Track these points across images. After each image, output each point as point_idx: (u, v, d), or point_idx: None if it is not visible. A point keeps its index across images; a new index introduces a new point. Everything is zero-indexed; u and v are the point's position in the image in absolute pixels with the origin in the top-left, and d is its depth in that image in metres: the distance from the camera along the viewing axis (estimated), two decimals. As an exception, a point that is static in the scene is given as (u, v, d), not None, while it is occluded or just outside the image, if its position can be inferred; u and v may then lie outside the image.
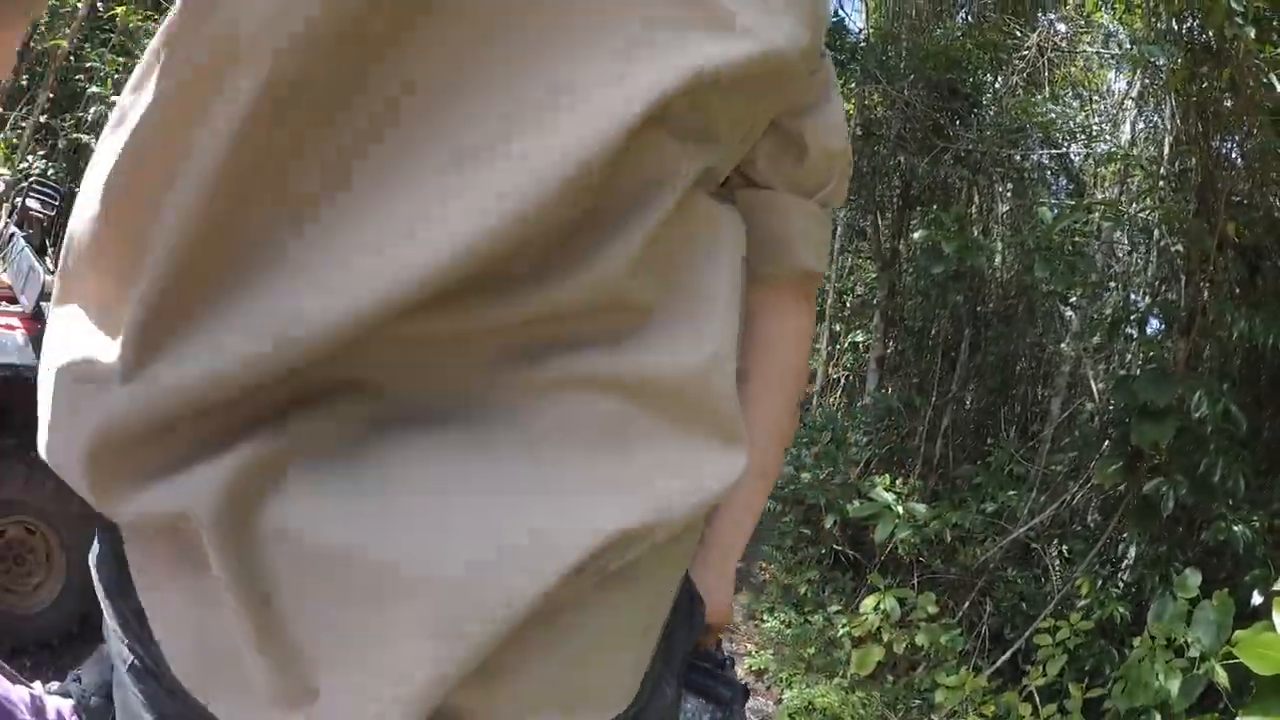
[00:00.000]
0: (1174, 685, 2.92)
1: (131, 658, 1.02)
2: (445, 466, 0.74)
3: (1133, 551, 5.04)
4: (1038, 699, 3.43)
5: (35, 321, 3.10)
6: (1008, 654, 4.31)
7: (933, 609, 4.00)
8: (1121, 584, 4.66)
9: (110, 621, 1.07)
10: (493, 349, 0.74)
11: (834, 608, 4.99)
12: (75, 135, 6.34)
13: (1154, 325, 5.61)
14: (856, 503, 4.88)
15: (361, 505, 0.73)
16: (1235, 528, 3.96)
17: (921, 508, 4.62)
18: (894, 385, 7.08)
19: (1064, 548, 5.08)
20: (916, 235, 6.84)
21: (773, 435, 1.24)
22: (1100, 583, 4.36)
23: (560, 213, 0.69)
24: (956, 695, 3.66)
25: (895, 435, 6.52)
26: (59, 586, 3.39)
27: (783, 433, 1.28)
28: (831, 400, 8.14)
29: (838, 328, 9.03)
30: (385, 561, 0.72)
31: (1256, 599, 2.71)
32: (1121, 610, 3.91)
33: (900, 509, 4.49)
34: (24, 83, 6.63)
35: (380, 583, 0.73)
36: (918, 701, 4.35)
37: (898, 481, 4.74)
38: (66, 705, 1.99)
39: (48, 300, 3.12)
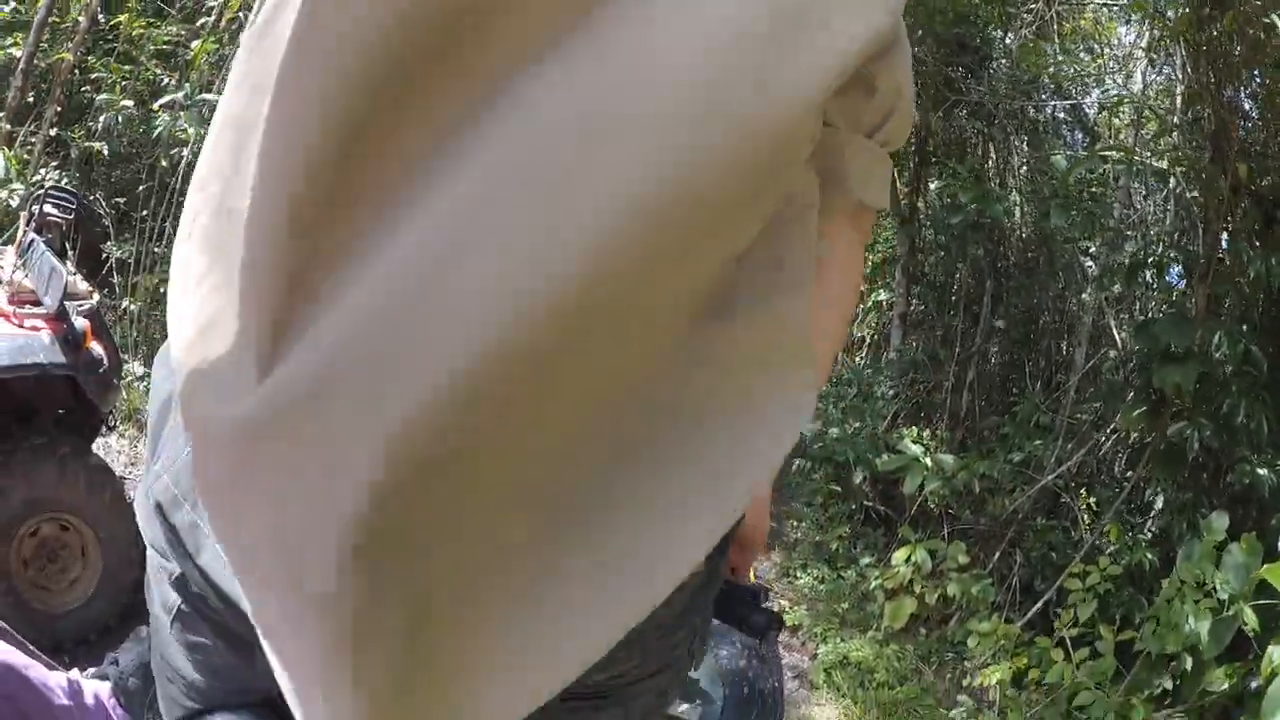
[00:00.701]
0: (1204, 627, 2.94)
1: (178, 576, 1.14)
2: None
3: (1160, 500, 5.08)
4: (1069, 644, 3.47)
5: (60, 321, 3.14)
6: (1038, 604, 4.36)
7: (963, 559, 4.04)
8: (1150, 532, 4.71)
9: (157, 550, 1.18)
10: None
11: (865, 560, 5.05)
12: (86, 144, 6.33)
13: (1173, 276, 5.63)
14: (885, 456, 4.92)
15: None
16: (1260, 471, 4.00)
17: (949, 459, 4.66)
18: (918, 340, 7.08)
19: (1091, 499, 5.10)
20: (933, 186, 6.87)
21: (826, 352, 1.24)
22: (1129, 530, 4.39)
23: None
24: (989, 641, 3.71)
25: (921, 389, 6.55)
26: (95, 581, 3.43)
27: (835, 350, 1.32)
28: (857, 358, 8.14)
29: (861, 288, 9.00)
30: None
31: None
32: (1150, 556, 3.94)
33: (928, 461, 4.54)
34: (31, 99, 6.66)
35: None
36: (950, 655, 4.41)
37: (925, 434, 4.78)
38: (104, 688, 2.11)
39: (70, 300, 3.19)
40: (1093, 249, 6.72)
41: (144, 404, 4.84)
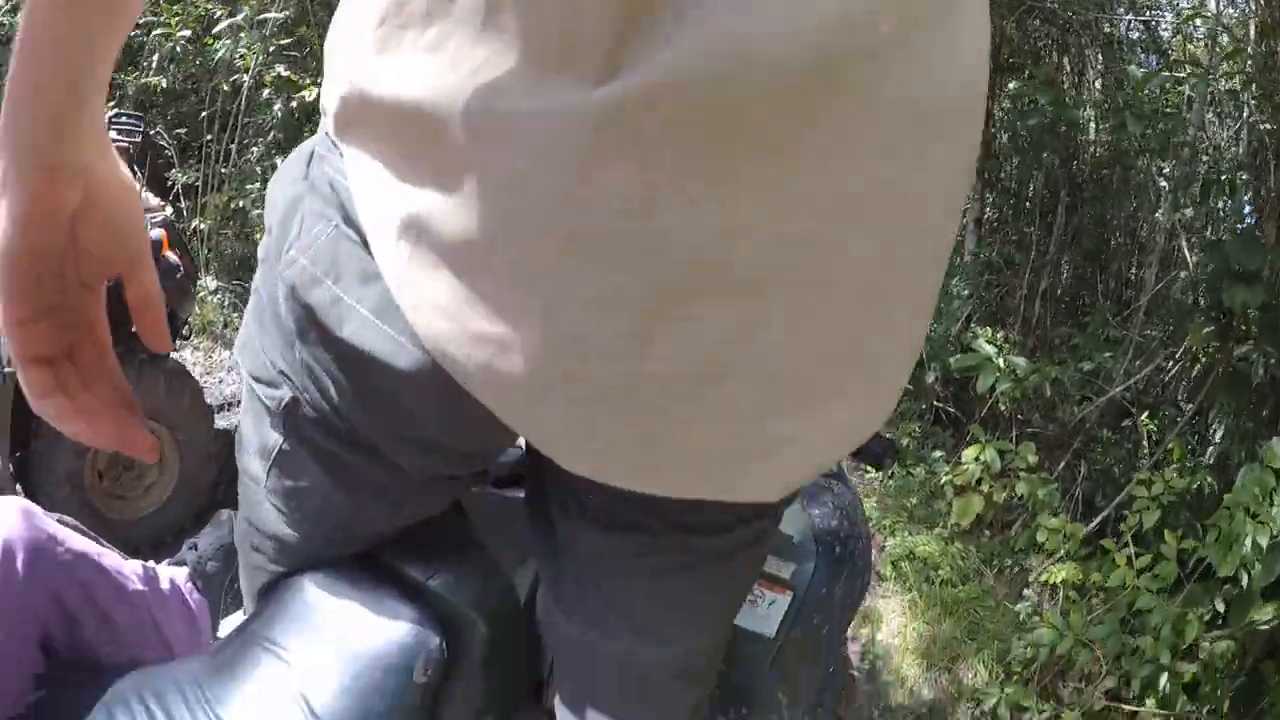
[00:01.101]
0: (1262, 540, 2.90)
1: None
2: None
3: (1221, 430, 5.07)
4: (1133, 551, 3.49)
5: None
6: (1099, 518, 4.39)
7: (1032, 458, 4.07)
8: (1210, 459, 4.70)
9: (263, 379, 1.23)
10: None
11: (936, 454, 5.08)
12: (143, 80, 6.26)
13: (1246, 205, 5.59)
14: (958, 356, 4.93)
15: None
16: None
17: (1022, 361, 4.66)
18: (994, 245, 7.07)
19: (1155, 422, 5.10)
20: (1010, 88, 6.79)
21: None
22: (1190, 454, 4.37)
23: None
24: (1056, 539, 3.75)
25: (996, 293, 6.55)
26: (171, 485, 3.50)
27: None
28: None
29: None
30: None
31: None
32: (1210, 480, 3.91)
33: (1001, 362, 4.53)
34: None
35: None
36: (1010, 562, 4.47)
37: (999, 336, 4.77)
38: (180, 573, 2.15)
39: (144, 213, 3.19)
40: (1166, 169, 6.64)
41: (217, 317, 4.95)
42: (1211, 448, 4.96)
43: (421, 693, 1.48)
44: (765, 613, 2.16)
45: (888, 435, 1.82)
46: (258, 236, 5.23)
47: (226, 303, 5.18)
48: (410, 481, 1.30)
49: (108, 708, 1.36)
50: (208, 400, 3.67)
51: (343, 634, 1.49)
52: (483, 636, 1.58)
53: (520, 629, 1.75)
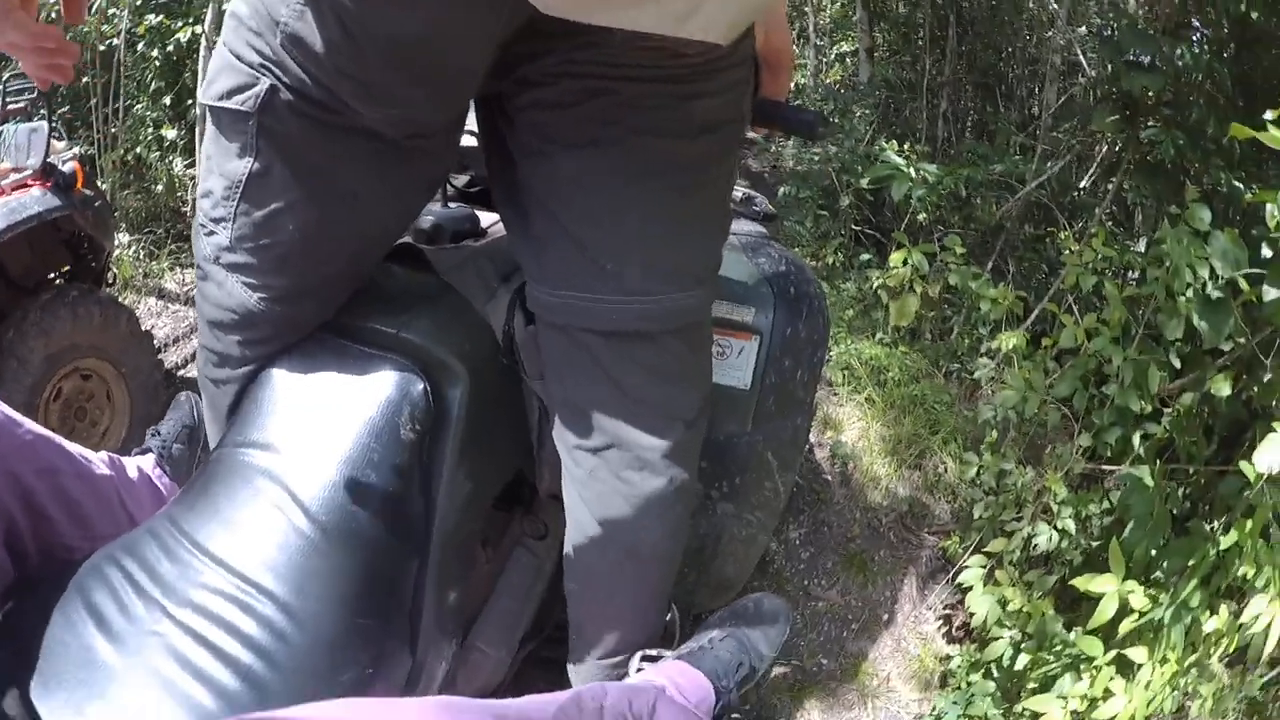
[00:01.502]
0: (1204, 269, 2.85)
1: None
2: None
3: (1140, 215, 5.08)
4: (1075, 308, 3.43)
5: (46, 176, 3.07)
6: (1034, 313, 4.34)
7: (960, 250, 3.99)
8: (1140, 243, 4.67)
9: (244, 59, 1.29)
10: None
11: (865, 257, 5.02)
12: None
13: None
14: (869, 168, 4.86)
15: None
16: (1236, 183, 3.94)
17: (932, 167, 4.59)
18: (888, 68, 7.02)
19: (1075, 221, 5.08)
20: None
21: None
22: (1114, 235, 4.35)
23: None
24: (999, 308, 3.67)
25: (898, 114, 6.50)
26: (125, 424, 3.39)
27: None
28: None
29: (821, 41, 8.94)
30: None
31: (1266, 252, 2.63)
32: (1139, 259, 3.86)
33: (912, 171, 4.47)
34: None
35: None
36: (956, 366, 4.41)
37: (905, 147, 4.71)
38: (147, 461, 2.09)
39: (52, 156, 3.10)
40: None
41: (135, 270, 4.88)
42: (1135, 232, 4.96)
43: (412, 450, 1.52)
44: (737, 362, 2.23)
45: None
46: (158, 189, 5.39)
47: (142, 255, 5.06)
48: (377, 181, 1.40)
49: (80, 582, 1.33)
50: (143, 346, 3.57)
51: (321, 409, 1.52)
52: (464, 383, 1.62)
53: (501, 377, 1.78)
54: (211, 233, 1.45)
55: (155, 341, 3.71)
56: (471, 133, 1.67)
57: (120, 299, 4.26)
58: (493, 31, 1.22)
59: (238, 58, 1.28)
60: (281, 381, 1.56)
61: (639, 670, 1.90)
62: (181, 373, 4.11)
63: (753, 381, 2.24)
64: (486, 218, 2.05)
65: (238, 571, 1.33)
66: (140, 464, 2.09)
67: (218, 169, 1.39)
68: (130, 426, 3.41)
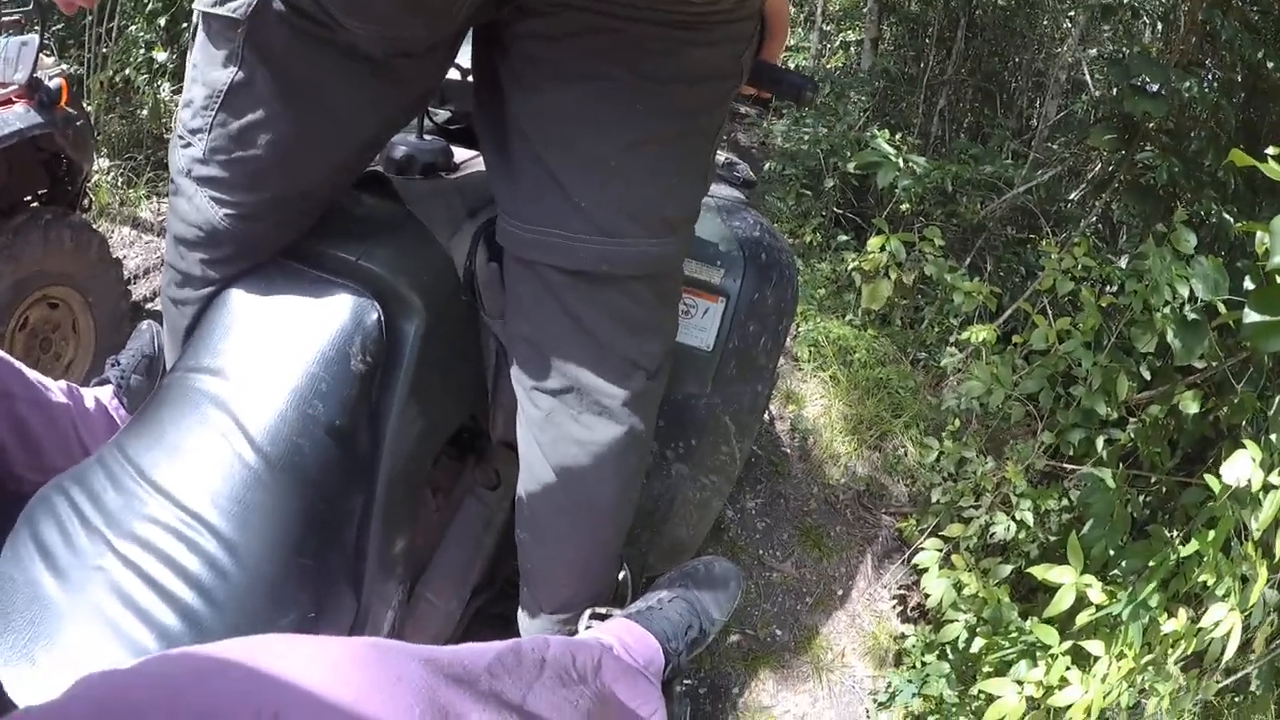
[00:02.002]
0: (1184, 289, 2.88)
1: None
2: None
3: (1125, 235, 5.09)
4: (1049, 310, 3.44)
5: (31, 92, 2.98)
6: (1008, 312, 4.34)
7: (939, 241, 3.99)
8: (1123, 259, 4.67)
9: None
10: None
11: (842, 238, 5.01)
12: None
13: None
14: (857, 153, 4.85)
15: None
16: (1226, 216, 3.96)
17: (921, 160, 4.60)
18: (889, 58, 7.00)
19: (1059, 230, 5.08)
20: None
21: None
22: (1097, 248, 4.35)
23: None
24: (972, 301, 3.68)
25: (894, 105, 6.49)
26: (89, 357, 3.31)
27: None
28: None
29: (828, 28, 8.93)
30: None
31: (1249, 284, 2.65)
32: (1119, 273, 3.87)
33: (900, 161, 4.47)
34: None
35: None
36: (924, 355, 4.42)
37: (898, 138, 4.70)
38: (105, 392, 2.07)
39: (40, 71, 3.05)
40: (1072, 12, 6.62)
41: (112, 198, 4.80)
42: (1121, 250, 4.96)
43: (362, 382, 1.49)
44: (701, 323, 2.22)
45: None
46: (144, 114, 5.27)
47: (120, 181, 5.01)
48: (357, 98, 1.40)
49: (29, 514, 1.32)
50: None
51: (274, 335, 1.48)
52: (420, 317, 1.59)
53: (460, 316, 1.75)
54: (188, 144, 1.44)
55: (125, 272, 3.66)
56: (458, 67, 1.66)
57: (94, 226, 4.24)
58: None
59: None
60: (237, 305, 1.53)
61: (588, 628, 1.87)
62: (150, 305, 4.04)
63: (716, 343, 2.22)
64: (461, 153, 2.02)
65: (181, 503, 1.30)
66: (98, 395, 2.06)
67: (201, 77, 1.38)
68: (94, 359, 3.33)
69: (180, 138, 1.46)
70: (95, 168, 4.31)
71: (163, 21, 5.46)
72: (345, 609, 1.46)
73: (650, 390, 1.72)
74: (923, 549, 3.04)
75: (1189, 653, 2.44)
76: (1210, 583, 2.35)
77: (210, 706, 0.83)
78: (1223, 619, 2.27)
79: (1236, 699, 2.96)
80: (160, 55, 5.34)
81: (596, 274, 1.54)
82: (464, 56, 1.60)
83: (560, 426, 1.68)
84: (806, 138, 5.54)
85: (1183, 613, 2.41)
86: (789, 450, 3.72)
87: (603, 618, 1.89)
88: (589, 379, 1.64)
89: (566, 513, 1.78)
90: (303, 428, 1.41)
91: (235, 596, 1.27)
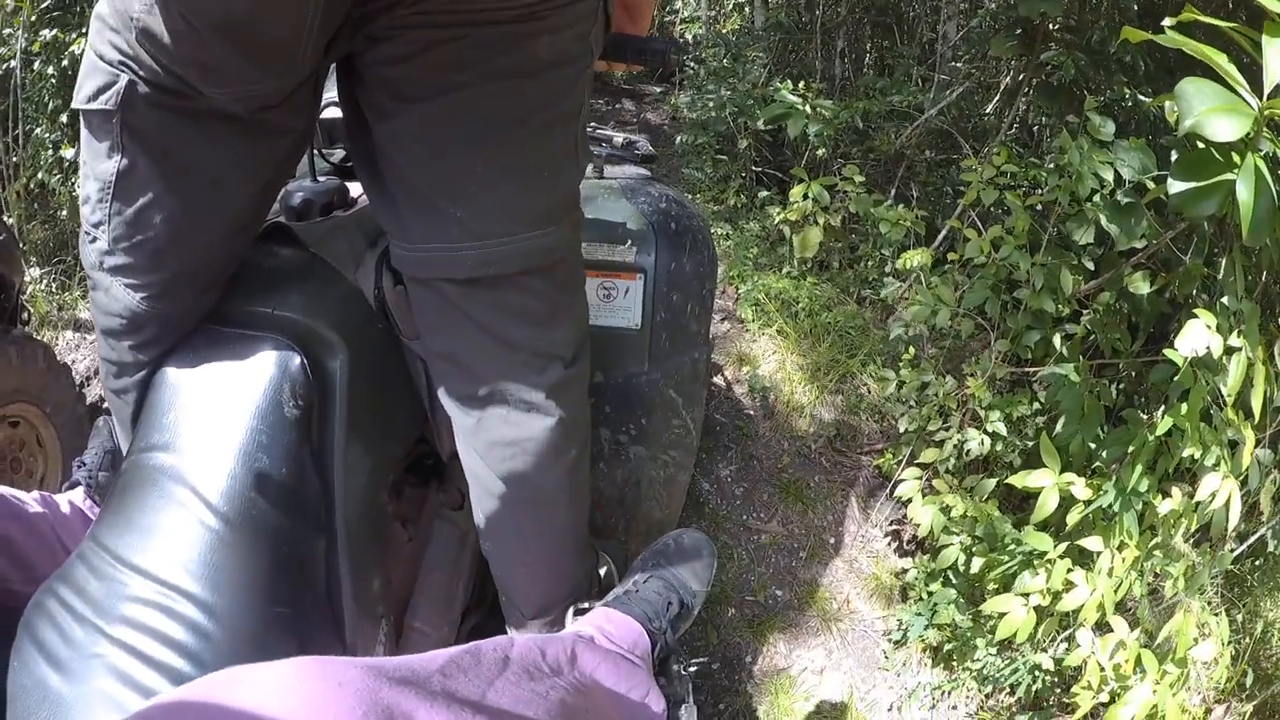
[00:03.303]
0: (1108, 173, 2.88)
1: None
2: None
3: (1046, 138, 5.09)
4: (979, 224, 3.43)
5: None
6: (942, 234, 4.33)
7: (859, 179, 3.99)
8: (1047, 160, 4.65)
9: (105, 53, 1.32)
10: None
11: (764, 194, 5.00)
12: None
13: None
14: (763, 108, 4.84)
15: None
16: (1142, 97, 3.97)
17: (829, 103, 4.58)
18: (781, 10, 6.99)
19: (979, 148, 5.06)
20: None
21: None
22: (1020, 155, 4.34)
23: None
24: (900, 229, 3.68)
25: (793, 55, 6.48)
26: (59, 464, 3.24)
27: None
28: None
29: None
30: None
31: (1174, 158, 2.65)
32: (1042, 172, 3.85)
33: (808, 108, 4.47)
34: None
35: None
36: (867, 292, 4.41)
37: (801, 86, 4.69)
38: (77, 494, 2.10)
39: None
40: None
41: (50, 304, 4.72)
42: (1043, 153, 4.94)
43: (298, 427, 1.52)
44: (624, 302, 2.23)
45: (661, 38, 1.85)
46: (63, 215, 5.23)
47: (54, 287, 4.97)
48: (234, 160, 1.44)
49: (27, 620, 1.37)
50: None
51: (210, 400, 1.52)
52: (343, 353, 1.62)
53: (383, 344, 1.78)
54: (94, 239, 1.47)
55: (76, 375, 3.61)
56: (336, 104, 1.66)
57: (38, 335, 4.17)
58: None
59: (100, 58, 1.32)
60: (173, 380, 1.56)
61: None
62: (106, 404, 4.00)
63: (643, 320, 2.25)
64: (356, 188, 2.01)
65: (157, 577, 1.35)
66: (70, 498, 2.08)
67: (92, 173, 1.41)
68: (64, 466, 3.23)
69: (86, 233, 1.48)
70: (27, 278, 4.26)
71: (64, 118, 5.42)
72: (330, 651, 1.49)
73: (571, 377, 1.74)
74: (903, 480, 3.02)
75: (1193, 529, 2.45)
76: (1198, 455, 2.35)
77: None
78: (1218, 488, 2.28)
79: (1257, 563, 2.97)
80: (68, 153, 5.29)
81: (486, 278, 1.56)
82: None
83: (492, 431, 1.71)
84: (712, 104, 5.53)
85: (1177, 491, 2.41)
86: (752, 412, 3.70)
87: (584, 612, 1.89)
88: (507, 379, 1.67)
89: (520, 513, 1.80)
90: (253, 482, 1.45)
91: (220, 654, 1.32)
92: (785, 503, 3.38)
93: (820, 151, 4.76)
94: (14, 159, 5.45)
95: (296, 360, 1.54)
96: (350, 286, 1.74)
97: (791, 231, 4.12)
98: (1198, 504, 2.33)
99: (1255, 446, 2.39)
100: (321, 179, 1.98)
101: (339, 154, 2.23)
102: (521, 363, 1.67)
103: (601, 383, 2.20)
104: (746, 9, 7.92)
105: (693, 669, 1.95)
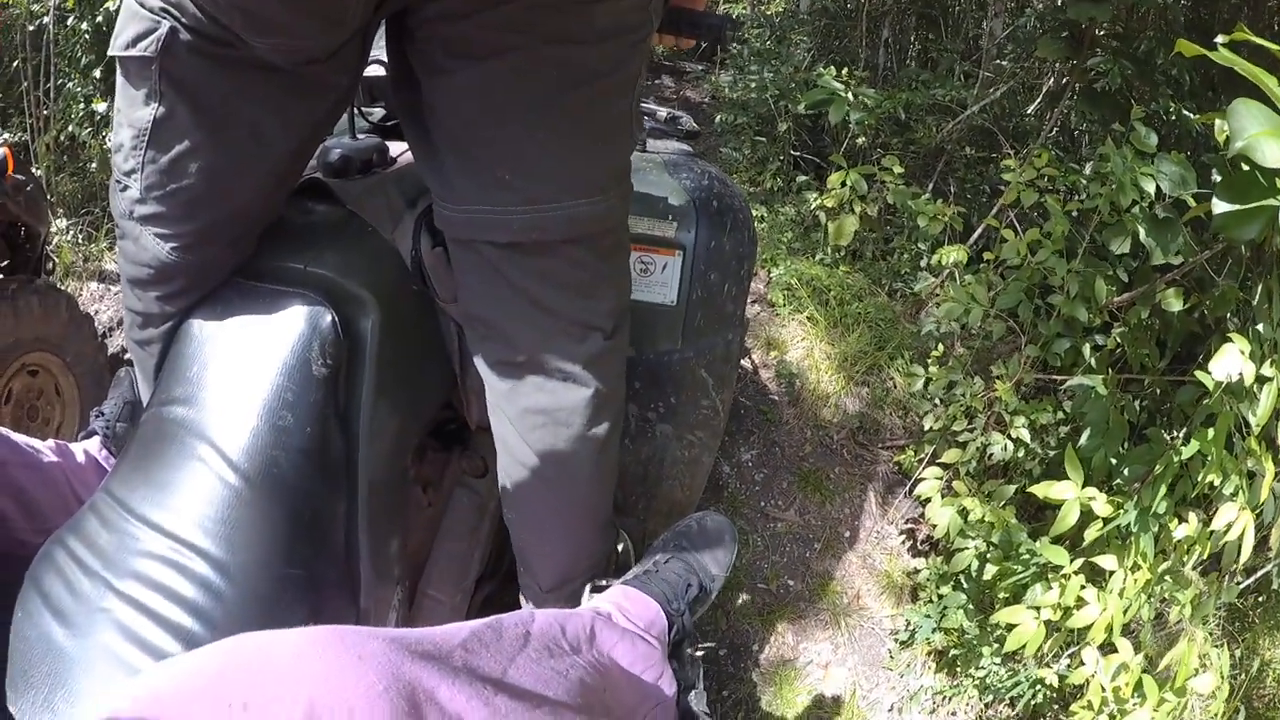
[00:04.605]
0: (1150, 185, 2.86)
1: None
2: None
3: (1085, 144, 5.06)
4: (1017, 224, 3.40)
5: None
6: (977, 231, 4.31)
7: (899, 169, 3.96)
8: (1085, 167, 4.62)
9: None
10: None
11: (802, 179, 4.97)
12: None
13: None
14: (806, 92, 4.81)
15: None
16: (1186, 112, 3.94)
17: (872, 92, 4.55)
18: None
19: (1019, 147, 5.02)
20: None
21: None
22: (1060, 159, 4.31)
23: None
24: (938, 224, 3.66)
25: (837, 42, 6.44)
26: (76, 414, 3.26)
27: None
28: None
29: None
30: None
31: (1215, 177, 2.62)
32: (1082, 178, 3.83)
33: (850, 95, 4.44)
34: None
35: None
36: (899, 285, 4.39)
37: (845, 73, 4.66)
38: (94, 444, 2.10)
39: None
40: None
41: (75, 256, 4.73)
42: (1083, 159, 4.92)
43: (325, 386, 1.50)
44: (661, 278, 2.21)
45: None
46: (93, 167, 5.21)
47: (80, 238, 4.98)
48: (275, 112, 1.42)
49: (34, 572, 1.36)
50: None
51: (236, 355, 1.50)
52: (375, 313, 1.60)
53: (417, 306, 1.77)
54: (125, 187, 1.46)
55: (99, 326, 3.61)
56: (382, 63, 1.64)
57: (62, 285, 4.18)
58: None
59: (141, 4, 1.30)
60: (199, 333, 1.54)
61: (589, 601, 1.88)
62: (127, 355, 4.03)
63: (679, 297, 2.22)
64: (396, 147, 1.99)
65: (170, 533, 1.32)
66: (86, 447, 2.07)
67: (126, 120, 1.40)
68: (80, 416, 3.26)
69: (117, 181, 1.47)
70: (54, 229, 4.26)
71: (98, 73, 5.43)
72: (344, 615, 1.48)
73: (609, 350, 1.72)
74: (923, 479, 3.01)
75: (1205, 557, 2.43)
76: (1217, 483, 2.33)
77: (182, 708, 0.86)
78: (1234, 520, 2.26)
79: (1260, 599, 2.96)
80: (100, 106, 5.29)
81: (531, 243, 1.55)
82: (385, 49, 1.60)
83: (526, 398, 1.69)
84: (754, 84, 5.49)
85: (1193, 517, 2.39)
86: (777, 398, 3.69)
87: (603, 589, 1.88)
88: (545, 348, 1.66)
89: (547, 484, 1.78)
90: (276, 440, 1.43)
91: (231, 615, 1.29)
92: (804, 492, 3.37)
93: (860, 140, 4.73)
94: (45, 112, 5.46)
95: (328, 318, 1.52)
96: (386, 246, 1.72)
97: (827, 218, 4.10)
98: (1212, 533, 2.31)
99: (1274, 479, 2.37)
100: (361, 137, 1.96)
101: (379, 112, 2.21)
102: (561, 331, 1.65)
103: (633, 358, 2.18)
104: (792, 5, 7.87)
105: (700, 653, 1.94)
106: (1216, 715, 2.57)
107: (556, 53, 1.40)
